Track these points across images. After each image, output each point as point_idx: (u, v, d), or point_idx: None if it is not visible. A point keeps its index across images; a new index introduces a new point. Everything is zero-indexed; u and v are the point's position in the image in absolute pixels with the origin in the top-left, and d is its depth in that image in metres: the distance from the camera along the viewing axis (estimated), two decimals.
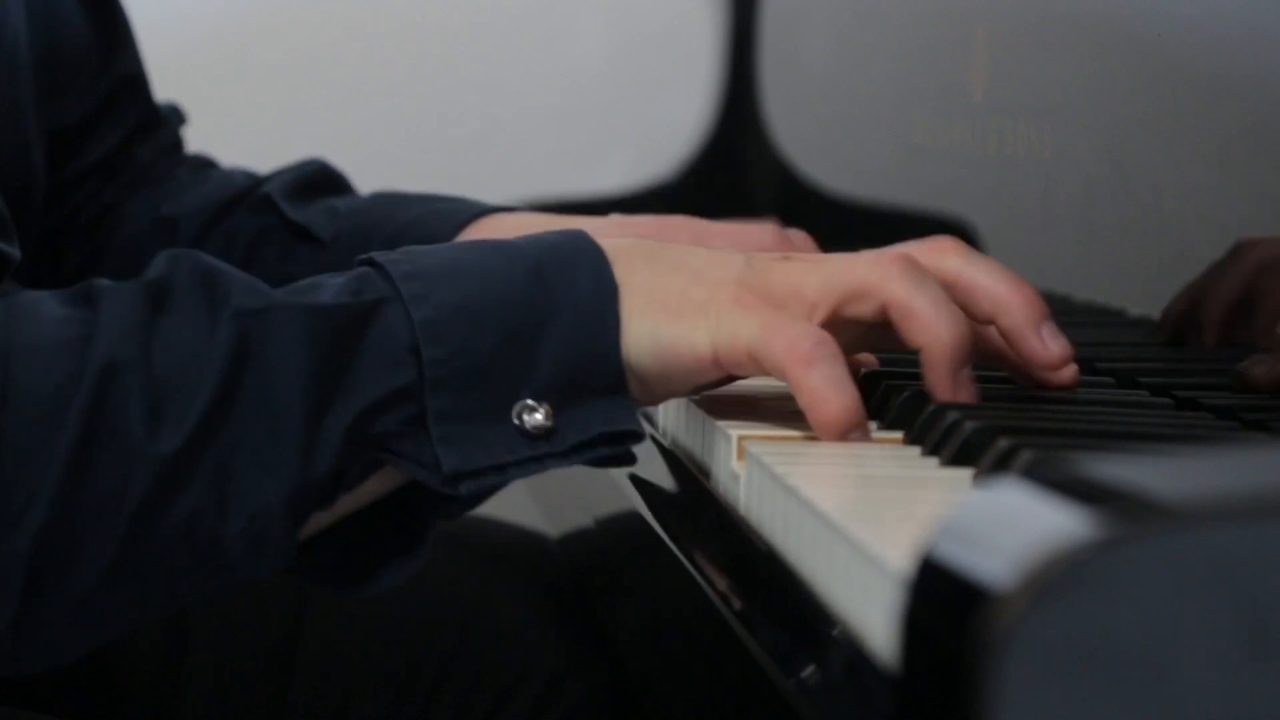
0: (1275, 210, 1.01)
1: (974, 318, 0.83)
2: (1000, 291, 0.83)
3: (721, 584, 0.74)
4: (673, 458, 0.90)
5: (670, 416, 0.94)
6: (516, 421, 0.78)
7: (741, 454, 0.81)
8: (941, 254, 0.83)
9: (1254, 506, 0.48)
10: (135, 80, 1.22)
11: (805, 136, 1.73)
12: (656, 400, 0.83)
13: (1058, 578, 0.47)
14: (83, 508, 0.74)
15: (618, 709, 1.15)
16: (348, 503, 0.79)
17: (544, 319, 0.79)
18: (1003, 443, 0.72)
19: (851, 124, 1.63)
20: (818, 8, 1.69)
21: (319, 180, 1.21)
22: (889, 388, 0.86)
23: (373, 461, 0.77)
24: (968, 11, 1.32)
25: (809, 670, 0.63)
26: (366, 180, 1.26)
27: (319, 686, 1.14)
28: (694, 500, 0.85)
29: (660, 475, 0.90)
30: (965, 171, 1.32)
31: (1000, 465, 0.71)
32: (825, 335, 0.79)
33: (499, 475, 0.78)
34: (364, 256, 0.81)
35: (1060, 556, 0.47)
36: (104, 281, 0.78)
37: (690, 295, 0.81)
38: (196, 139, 1.29)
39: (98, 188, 1.21)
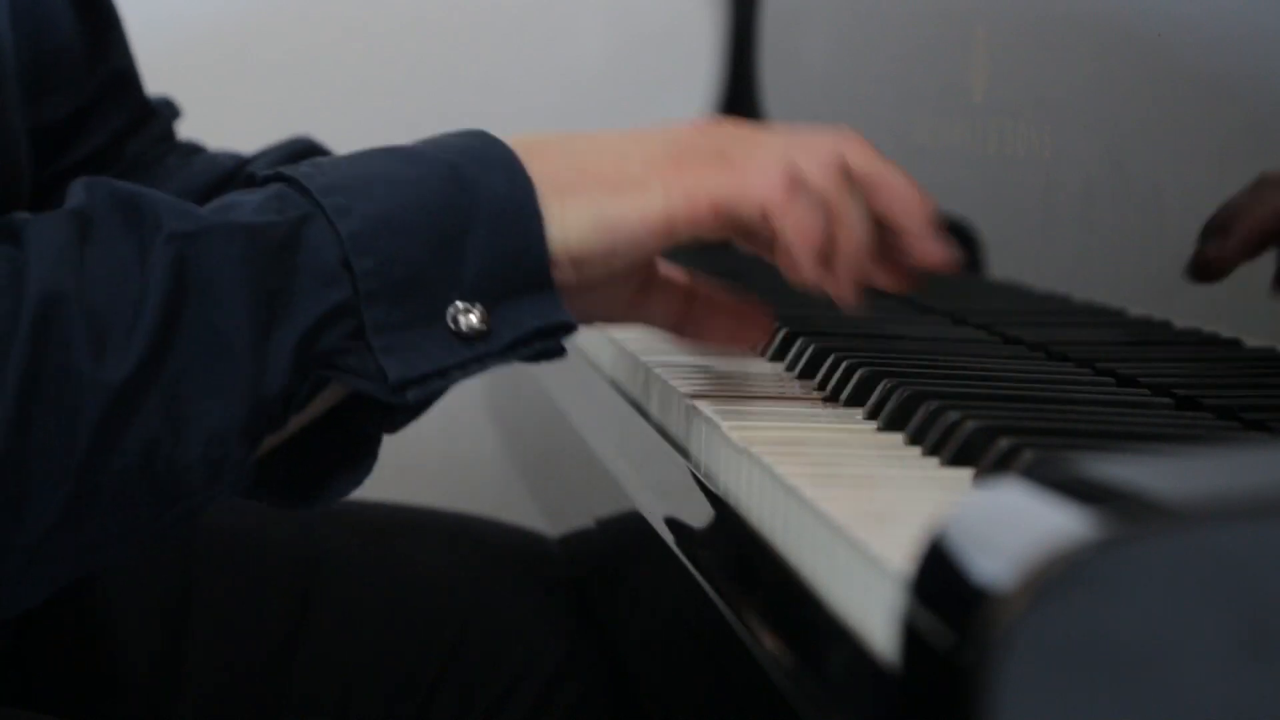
0: None
1: (871, 208, 0.85)
2: (905, 191, 0.86)
3: (721, 584, 0.74)
4: (672, 458, 0.90)
5: (668, 414, 0.94)
6: (452, 325, 0.79)
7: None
8: (848, 145, 0.86)
9: (1254, 506, 0.48)
10: (125, 76, 1.21)
11: None
12: (593, 284, 0.83)
13: (1058, 578, 0.47)
14: (35, 444, 0.72)
15: (617, 709, 1.15)
16: (295, 421, 0.79)
17: (466, 221, 0.79)
18: (1003, 443, 0.72)
19: (851, 124, 1.63)
20: (818, 8, 1.69)
21: (303, 156, 1.21)
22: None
23: (319, 379, 0.77)
24: (968, 11, 1.31)
25: (809, 670, 0.63)
26: None
27: (319, 686, 1.14)
28: (694, 500, 0.84)
29: (660, 474, 0.90)
30: (965, 171, 1.32)
31: (1000, 465, 0.71)
32: (794, 166, 0.83)
33: (442, 379, 0.79)
34: (269, 172, 0.80)
35: (1060, 556, 0.47)
36: (23, 214, 0.76)
37: (626, 171, 0.82)
38: (195, 138, 1.29)
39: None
